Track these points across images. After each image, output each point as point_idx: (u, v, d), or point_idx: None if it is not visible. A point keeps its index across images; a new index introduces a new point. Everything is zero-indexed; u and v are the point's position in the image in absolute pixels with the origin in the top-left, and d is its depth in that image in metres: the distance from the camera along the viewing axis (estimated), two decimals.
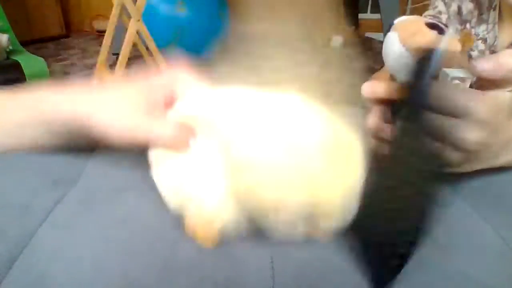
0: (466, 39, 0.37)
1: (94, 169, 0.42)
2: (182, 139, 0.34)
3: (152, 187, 0.38)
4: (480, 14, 0.80)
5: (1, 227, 0.32)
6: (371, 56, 2.76)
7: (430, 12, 0.90)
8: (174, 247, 0.31)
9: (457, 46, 0.36)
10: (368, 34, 3.43)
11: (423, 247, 0.32)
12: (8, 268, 0.28)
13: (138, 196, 0.37)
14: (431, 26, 0.36)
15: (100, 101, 0.36)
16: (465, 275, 0.29)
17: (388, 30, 0.39)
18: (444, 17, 0.87)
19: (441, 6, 0.88)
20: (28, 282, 0.28)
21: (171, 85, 0.37)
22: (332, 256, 0.31)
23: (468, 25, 0.83)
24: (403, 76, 0.37)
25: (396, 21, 0.39)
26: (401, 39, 0.37)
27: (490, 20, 0.79)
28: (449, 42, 0.33)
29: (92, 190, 0.38)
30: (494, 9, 0.78)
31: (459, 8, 0.85)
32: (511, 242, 0.32)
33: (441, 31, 0.35)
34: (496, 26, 0.78)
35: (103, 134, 0.35)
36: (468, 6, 0.83)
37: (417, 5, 3.00)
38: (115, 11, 2.12)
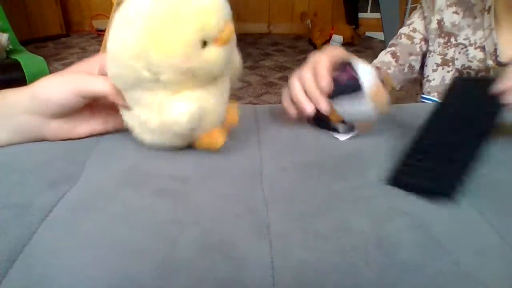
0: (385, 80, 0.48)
1: (93, 168, 0.42)
2: (119, 95, 0.41)
3: (151, 184, 0.39)
4: (474, 18, 0.77)
5: (1, 227, 0.32)
6: (371, 55, 2.76)
7: (405, 30, 0.86)
8: (173, 246, 0.31)
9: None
10: (368, 33, 3.43)
11: (423, 247, 0.32)
12: (8, 268, 0.28)
13: (138, 195, 0.37)
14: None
15: (41, 80, 0.43)
16: (466, 275, 0.29)
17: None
18: (418, 36, 0.84)
19: (417, 24, 0.85)
20: (28, 282, 0.28)
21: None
22: (332, 256, 0.31)
23: (452, 39, 0.80)
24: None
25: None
26: None
27: (486, 24, 0.75)
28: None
29: (92, 189, 0.38)
30: (489, 12, 0.74)
31: (440, 22, 0.81)
32: (511, 242, 0.32)
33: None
34: (494, 32, 0.74)
35: (51, 102, 0.42)
36: (452, 18, 0.80)
37: (416, 4, 3.00)
38: (115, 10, 2.12)
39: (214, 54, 0.38)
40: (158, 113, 0.40)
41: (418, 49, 0.85)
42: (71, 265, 0.29)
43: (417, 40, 0.85)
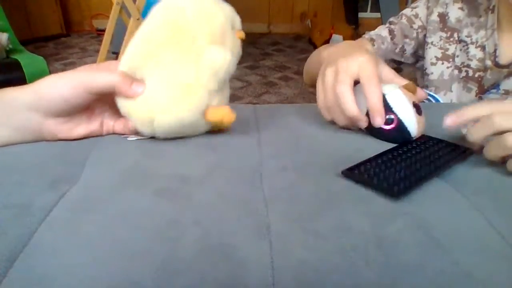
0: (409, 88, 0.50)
1: (93, 168, 0.42)
2: (126, 83, 0.43)
3: (151, 184, 0.39)
4: (479, 17, 0.77)
5: (1, 227, 0.32)
6: None
7: (407, 11, 0.87)
8: (174, 247, 0.31)
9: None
10: None
11: (423, 247, 0.32)
12: (8, 268, 0.28)
13: (138, 195, 0.37)
14: None
15: (45, 79, 0.43)
16: (466, 275, 0.29)
17: None
18: (418, 23, 0.85)
19: (420, 10, 0.85)
20: (28, 282, 0.28)
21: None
22: (332, 256, 0.31)
23: (455, 35, 0.80)
24: None
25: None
26: None
27: (489, 24, 0.75)
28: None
29: (92, 189, 0.38)
30: (493, 12, 0.75)
31: (443, 16, 0.82)
32: (511, 242, 0.32)
33: None
34: (496, 32, 0.74)
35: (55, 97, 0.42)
36: (457, 14, 0.80)
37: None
38: (115, 10, 2.12)
39: (238, 39, 0.47)
40: (195, 64, 0.44)
41: (415, 34, 0.86)
42: (71, 265, 0.29)
43: (415, 26, 0.86)
